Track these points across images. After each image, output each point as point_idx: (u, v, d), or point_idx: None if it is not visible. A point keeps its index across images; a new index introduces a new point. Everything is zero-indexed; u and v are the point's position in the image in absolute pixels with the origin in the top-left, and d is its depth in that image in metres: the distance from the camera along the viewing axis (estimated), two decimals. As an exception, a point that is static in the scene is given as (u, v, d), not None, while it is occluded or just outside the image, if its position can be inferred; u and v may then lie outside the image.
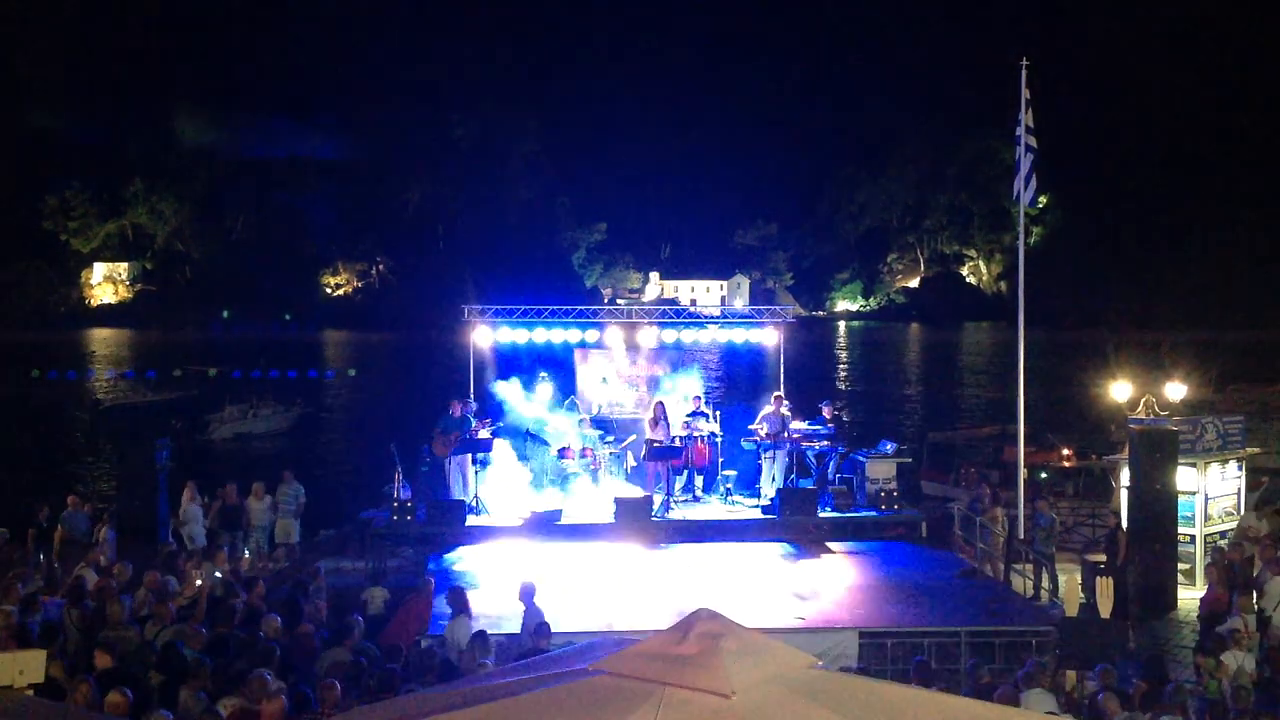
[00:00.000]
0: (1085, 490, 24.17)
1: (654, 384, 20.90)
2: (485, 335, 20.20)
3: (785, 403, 19.48)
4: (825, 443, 19.57)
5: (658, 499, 18.46)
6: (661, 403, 19.46)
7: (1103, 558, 16.28)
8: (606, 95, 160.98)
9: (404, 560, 18.15)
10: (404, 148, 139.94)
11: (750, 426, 19.47)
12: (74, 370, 68.37)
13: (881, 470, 19.12)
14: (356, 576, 17.38)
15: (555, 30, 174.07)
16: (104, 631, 10.52)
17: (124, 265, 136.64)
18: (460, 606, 12.31)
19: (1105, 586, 15.25)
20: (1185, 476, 16.81)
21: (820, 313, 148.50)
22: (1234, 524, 17.46)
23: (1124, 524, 16.61)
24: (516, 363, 21.31)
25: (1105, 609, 15.13)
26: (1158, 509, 16.13)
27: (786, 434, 19.03)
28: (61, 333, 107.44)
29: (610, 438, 19.80)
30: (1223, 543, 16.54)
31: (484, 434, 18.83)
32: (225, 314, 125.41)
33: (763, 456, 19.45)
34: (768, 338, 20.96)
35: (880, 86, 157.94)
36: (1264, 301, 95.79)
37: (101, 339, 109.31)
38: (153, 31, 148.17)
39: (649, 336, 20.83)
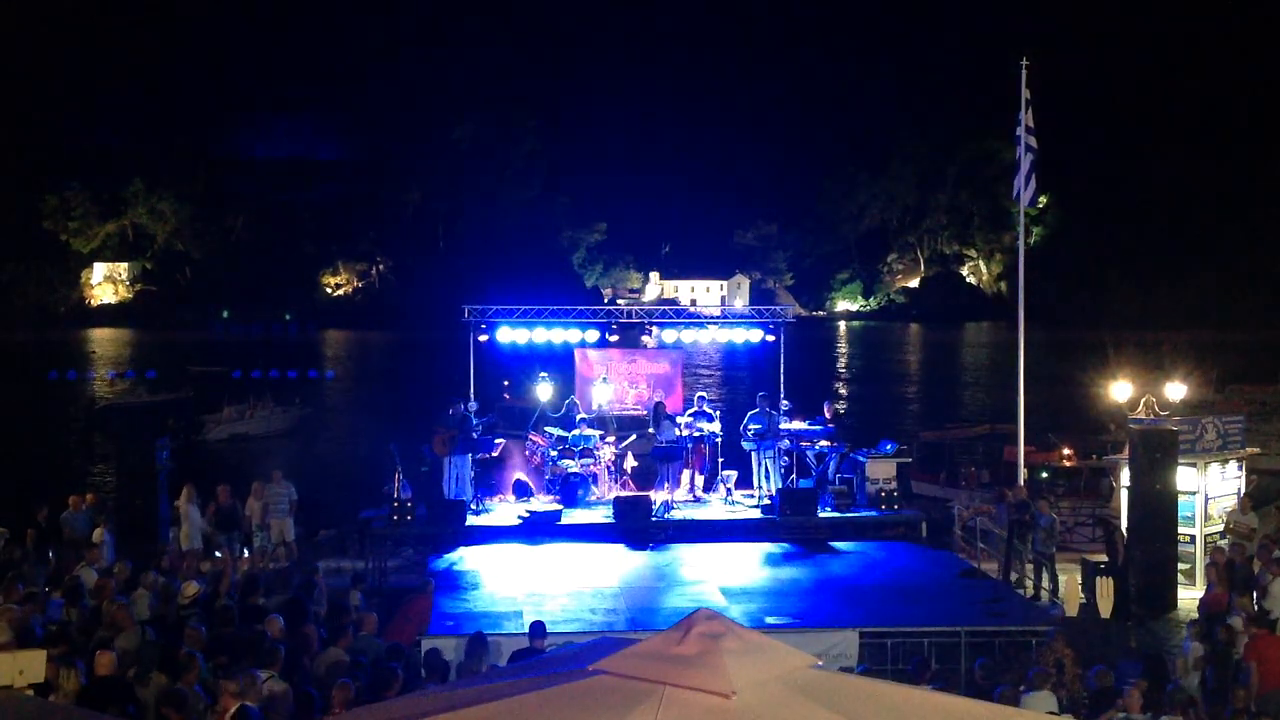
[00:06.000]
0: (1085, 490, 24.18)
1: (654, 383, 20.92)
2: (485, 335, 20.19)
3: (784, 403, 19.49)
4: (825, 443, 19.56)
5: (658, 499, 18.46)
6: (661, 403, 19.46)
7: (1103, 558, 16.27)
8: (606, 95, 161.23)
9: (404, 560, 18.14)
10: (404, 148, 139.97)
11: (742, 428, 19.47)
12: (74, 370, 68.38)
13: (881, 470, 19.11)
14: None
15: (555, 31, 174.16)
16: (100, 631, 10.52)
17: (124, 265, 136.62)
18: None
19: (1105, 586, 15.26)
20: (1185, 476, 16.80)
21: (820, 313, 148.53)
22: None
23: (1124, 524, 16.60)
24: (516, 362, 21.32)
25: (1105, 609, 15.14)
26: (1158, 509, 16.11)
27: (774, 433, 19.03)
28: (61, 333, 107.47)
29: (610, 437, 19.79)
30: (1222, 543, 16.53)
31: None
32: (225, 314, 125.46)
33: (754, 457, 19.45)
34: (768, 338, 20.96)
35: (880, 86, 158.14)
36: (1264, 301, 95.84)
37: (101, 339, 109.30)
38: (153, 32, 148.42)
39: (649, 336, 20.82)
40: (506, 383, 22.03)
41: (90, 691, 8.80)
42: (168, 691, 8.77)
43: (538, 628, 10.91)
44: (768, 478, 19.20)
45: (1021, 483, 18.74)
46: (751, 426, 19.23)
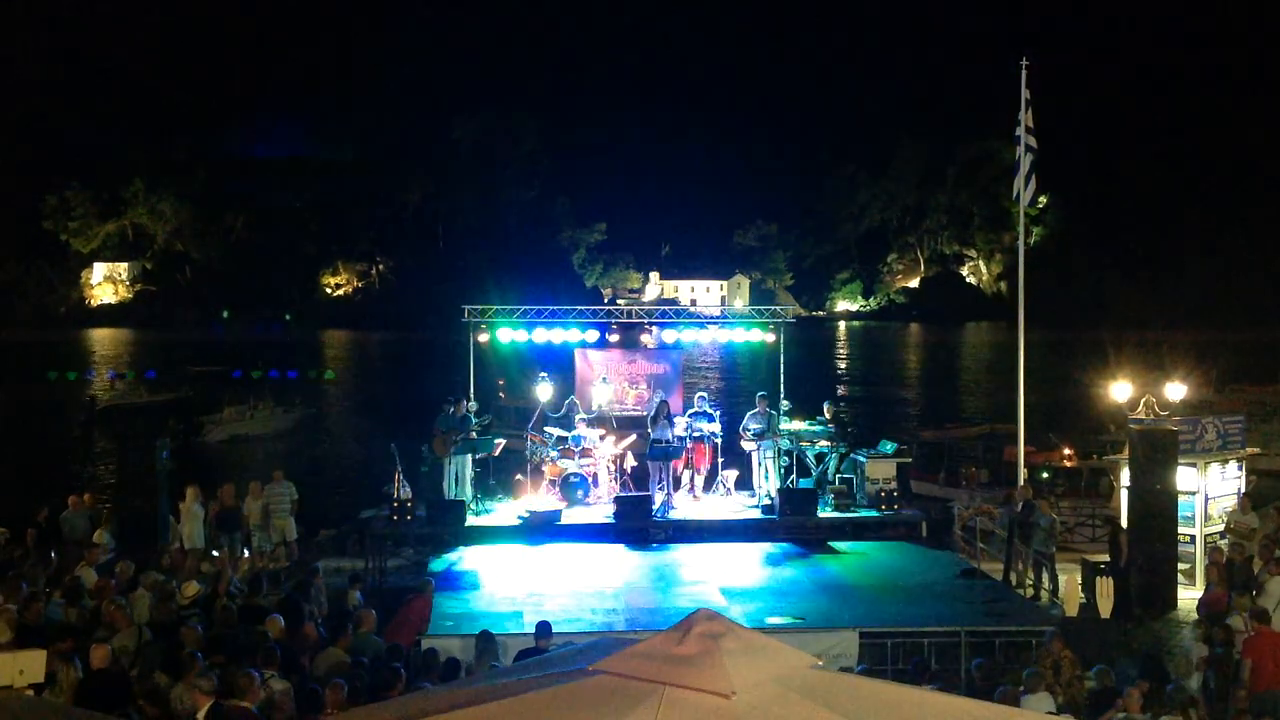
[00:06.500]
0: (1085, 490, 24.16)
1: (654, 383, 20.93)
2: (485, 335, 20.19)
3: (784, 403, 19.51)
4: (825, 443, 19.55)
5: (658, 499, 18.46)
6: (665, 402, 19.47)
7: (1103, 558, 16.26)
8: (606, 95, 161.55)
9: (404, 560, 18.15)
10: (404, 148, 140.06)
11: (741, 428, 19.50)
12: (74, 370, 68.40)
13: (881, 470, 19.09)
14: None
15: (555, 31, 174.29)
16: (99, 632, 10.52)
17: (124, 265, 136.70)
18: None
19: (1105, 586, 15.25)
20: (1185, 476, 16.79)
21: (820, 313, 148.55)
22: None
23: (1124, 524, 16.60)
24: (516, 362, 21.32)
25: (1105, 609, 15.14)
26: (1158, 509, 16.11)
27: (774, 433, 19.05)
28: (61, 333, 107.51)
29: (611, 437, 19.79)
30: (1222, 543, 16.54)
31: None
32: (225, 314, 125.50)
33: (754, 456, 19.49)
34: (768, 338, 20.97)
35: (880, 86, 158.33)
36: (1264, 301, 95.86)
37: (101, 339, 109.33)
38: (153, 32, 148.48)
39: (649, 336, 20.82)
40: (501, 382, 22.04)
41: (87, 685, 8.81)
42: (147, 688, 8.81)
43: (544, 627, 10.96)
44: (768, 478, 19.20)
45: (1023, 483, 18.73)
46: (751, 426, 19.25)
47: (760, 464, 19.33)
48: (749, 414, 19.41)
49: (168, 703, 8.73)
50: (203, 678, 8.34)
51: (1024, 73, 19.17)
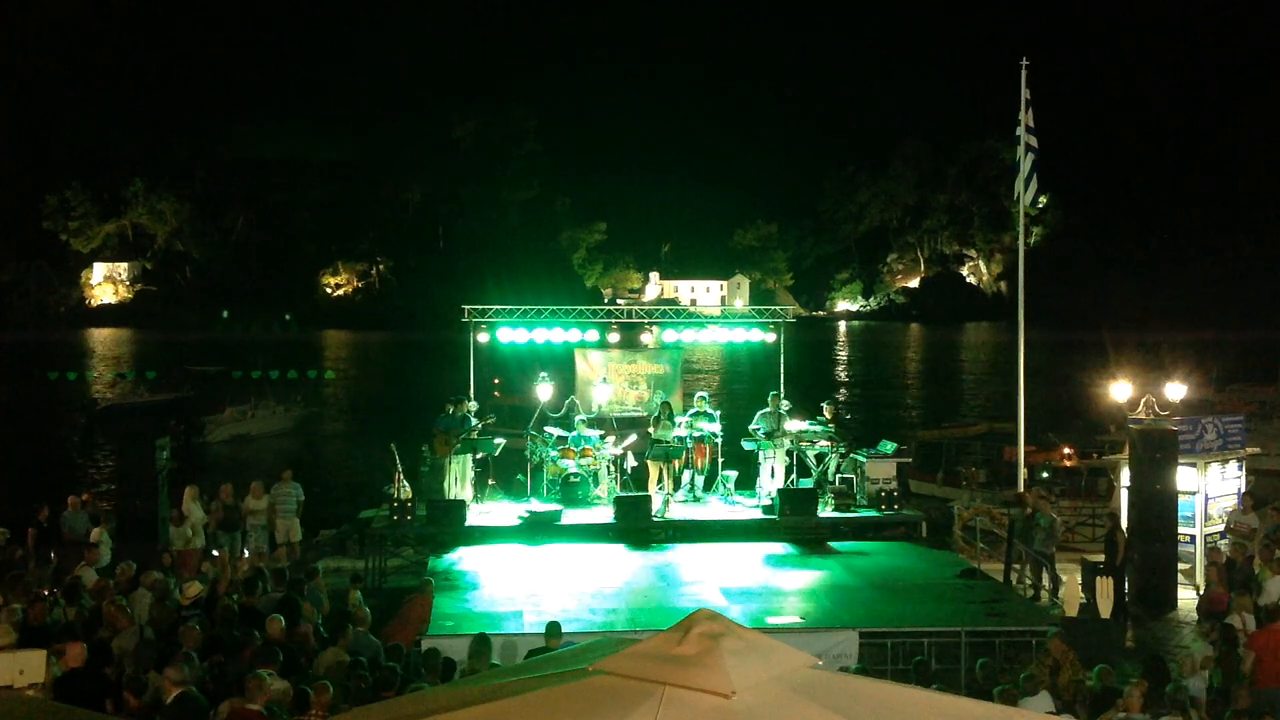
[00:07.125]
0: (1085, 490, 24.17)
1: (654, 383, 20.92)
2: (485, 335, 20.19)
3: (784, 403, 19.52)
4: (825, 443, 19.54)
5: (657, 498, 18.45)
6: (668, 403, 19.45)
7: (1103, 558, 16.27)
8: (606, 95, 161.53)
9: (404, 560, 18.16)
10: (404, 148, 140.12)
11: (750, 427, 19.51)
12: (74, 370, 68.38)
13: (881, 470, 19.08)
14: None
15: (555, 30, 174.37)
16: (101, 631, 10.52)
17: (124, 265, 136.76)
18: None
19: (1105, 586, 15.25)
20: (1185, 476, 16.80)
21: (820, 313, 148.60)
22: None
23: (1123, 524, 16.61)
24: (516, 362, 21.31)
25: (1105, 609, 15.13)
26: (1158, 509, 16.12)
27: (782, 433, 19.04)
28: (61, 333, 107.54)
29: (611, 437, 19.78)
30: (1222, 543, 16.54)
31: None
32: (225, 314, 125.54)
33: (759, 455, 19.48)
34: (768, 338, 20.97)
35: (880, 86, 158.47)
36: (1264, 301, 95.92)
37: (101, 339, 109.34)
38: (153, 32, 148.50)
39: (649, 336, 20.81)
40: (497, 380, 22.00)
41: (62, 683, 8.79)
42: (130, 678, 8.81)
43: (553, 627, 11.00)
44: (773, 476, 19.15)
45: (1032, 488, 18.73)
46: (756, 425, 19.22)
47: (764, 462, 19.28)
48: (760, 413, 19.36)
49: (145, 690, 8.74)
50: (173, 667, 8.33)
51: (1024, 73, 19.19)
